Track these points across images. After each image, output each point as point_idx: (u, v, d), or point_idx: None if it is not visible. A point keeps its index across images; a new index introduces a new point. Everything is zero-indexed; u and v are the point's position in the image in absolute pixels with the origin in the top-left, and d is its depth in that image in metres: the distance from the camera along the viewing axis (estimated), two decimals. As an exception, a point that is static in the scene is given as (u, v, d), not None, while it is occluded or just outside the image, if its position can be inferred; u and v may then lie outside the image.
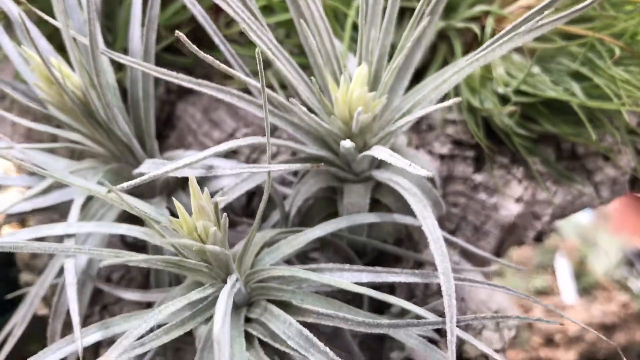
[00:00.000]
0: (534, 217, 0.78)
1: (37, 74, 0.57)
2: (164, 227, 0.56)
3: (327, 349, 0.43)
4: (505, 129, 0.76)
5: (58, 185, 0.72)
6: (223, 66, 0.52)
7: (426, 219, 0.51)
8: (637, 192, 0.86)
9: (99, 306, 0.76)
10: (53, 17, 0.60)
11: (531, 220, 0.79)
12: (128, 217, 0.67)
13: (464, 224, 0.78)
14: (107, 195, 0.61)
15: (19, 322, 0.69)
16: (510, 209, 0.76)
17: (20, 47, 0.62)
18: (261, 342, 0.54)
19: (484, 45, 0.56)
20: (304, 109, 0.52)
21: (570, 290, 2.93)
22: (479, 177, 0.77)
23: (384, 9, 0.59)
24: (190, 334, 0.68)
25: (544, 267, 3.06)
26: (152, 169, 0.59)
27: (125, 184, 0.47)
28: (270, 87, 0.77)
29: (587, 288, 3.13)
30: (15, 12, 0.67)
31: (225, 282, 0.52)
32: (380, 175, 0.60)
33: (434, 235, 0.50)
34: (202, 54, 0.51)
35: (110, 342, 0.71)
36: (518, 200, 0.77)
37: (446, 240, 0.54)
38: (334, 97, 0.54)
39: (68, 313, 0.64)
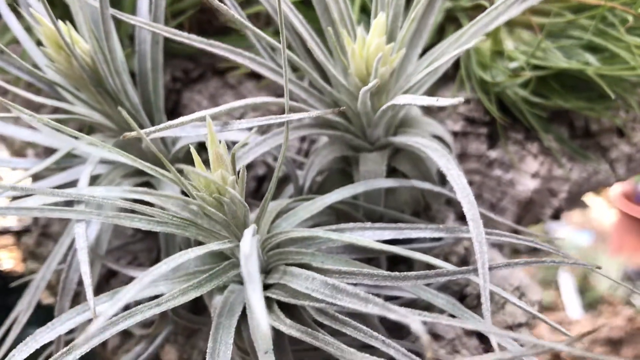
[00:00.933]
0: (551, 194, 0.77)
1: (45, 39, 0.56)
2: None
3: (357, 290, 0.40)
4: (518, 102, 0.74)
5: (61, 168, 0.71)
6: (240, 19, 0.50)
7: (450, 170, 0.49)
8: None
9: (117, 284, 0.73)
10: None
11: (548, 197, 0.77)
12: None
13: (480, 202, 0.76)
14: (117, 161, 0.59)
15: (24, 309, 0.67)
16: (526, 185, 0.75)
17: (29, 19, 0.61)
18: (281, 305, 0.52)
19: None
20: (322, 56, 0.51)
21: (575, 306, 2.90)
22: (493, 154, 0.76)
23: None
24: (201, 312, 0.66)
25: (547, 282, 3.05)
26: (162, 133, 0.57)
27: (151, 128, 0.45)
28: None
29: (592, 303, 3.10)
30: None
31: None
32: (398, 139, 0.59)
33: (460, 184, 0.48)
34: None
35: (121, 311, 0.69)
36: (534, 175, 0.75)
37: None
38: (350, 51, 0.53)
39: (76, 292, 0.62)
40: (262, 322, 0.30)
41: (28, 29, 0.68)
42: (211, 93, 0.85)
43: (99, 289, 0.74)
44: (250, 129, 0.53)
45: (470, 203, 0.47)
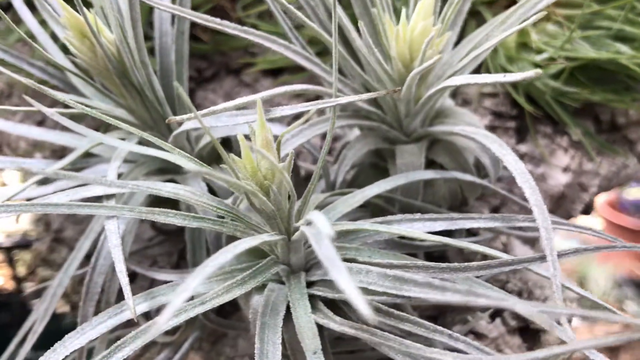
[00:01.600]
0: (581, 189, 0.75)
1: (69, 27, 0.53)
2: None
3: (429, 278, 0.37)
4: (547, 95, 0.73)
5: (76, 169, 0.67)
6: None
7: (505, 156, 0.47)
8: None
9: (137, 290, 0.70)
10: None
11: (578, 192, 0.75)
12: (155, 200, 0.63)
13: (509, 199, 0.74)
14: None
15: (39, 317, 0.63)
16: (558, 179, 0.73)
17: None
18: (325, 302, 0.49)
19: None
20: (359, 41, 0.48)
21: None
22: (523, 148, 0.74)
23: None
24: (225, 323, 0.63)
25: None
26: (195, 124, 0.54)
27: (189, 115, 0.42)
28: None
29: (588, 309, 3.08)
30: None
31: (287, 233, 0.47)
32: (440, 129, 0.56)
33: (519, 169, 0.46)
34: None
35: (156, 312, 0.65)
36: (565, 169, 0.73)
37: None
38: (395, 34, 0.50)
39: (99, 297, 0.59)
40: (361, 307, 0.27)
41: (42, 23, 0.65)
42: (226, 91, 0.82)
43: (119, 295, 0.71)
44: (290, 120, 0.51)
45: (532, 188, 0.44)
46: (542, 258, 0.43)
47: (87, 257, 0.63)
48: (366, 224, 0.49)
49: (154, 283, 0.71)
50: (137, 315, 0.47)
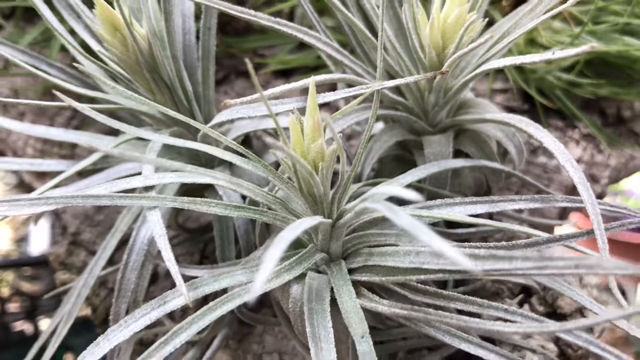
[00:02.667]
0: (593, 180, 0.76)
1: (100, 20, 0.53)
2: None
3: (492, 251, 0.38)
4: (558, 89, 0.74)
5: (98, 169, 0.67)
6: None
7: (544, 137, 0.48)
8: None
9: (158, 292, 0.69)
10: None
11: (590, 183, 0.76)
12: (187, 190, 0.62)
13: (525, 190, 0.75)
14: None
15: (64, 319, 0.62)
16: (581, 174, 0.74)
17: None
18: (367, 287, 0.49)
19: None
20: (389, 31, 0.49)
21: (557, 318, 2.92)
22: (536, 141, 0.75)
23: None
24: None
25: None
26: (230, 115, 0.54)
27: (237, 100, 0.42)
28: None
29: (574, 313, 3.13)
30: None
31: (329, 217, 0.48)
32: (468, 117, 0.57)
33: (559, 149, 0.47)
34: None
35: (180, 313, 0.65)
36: (578, 161, 0.75)
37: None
38: (430, 22, 0.51)
39: (134, 291, 0.58)
40: (459, 258, 0.27)
41: (62, 21, 0.65)
42: (238, 93, 0.82)
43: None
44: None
45: (574, 168, 0.45)
46: (590, 232, 0.43)
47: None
48: (407, 209, 0.50)
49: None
50: (189, 302, 0.46)
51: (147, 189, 0.51)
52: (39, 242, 2.89)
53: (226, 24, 0.87)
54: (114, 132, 0.78)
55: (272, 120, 0.62)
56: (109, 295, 0.70)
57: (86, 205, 0.48)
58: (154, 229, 0.48)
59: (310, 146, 0.44)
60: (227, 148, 0.65)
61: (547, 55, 0.42)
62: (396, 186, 0.36)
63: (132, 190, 0.52)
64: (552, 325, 0.36)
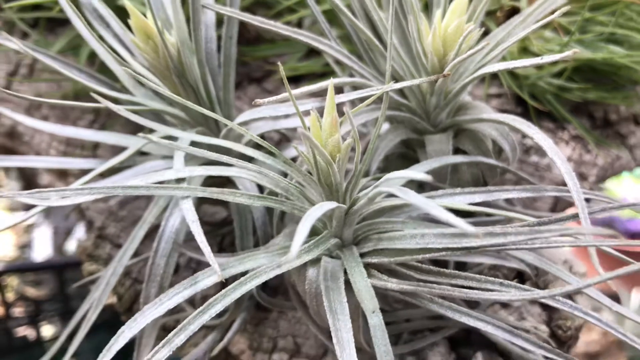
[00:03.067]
0: (582, 178, 0.82)
1: (135, 29, 0.58)
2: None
3: (489, 228, 0.43)
4: (549, 93, 0.80)
5: (125, 167, 0.72)
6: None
7: (535, 134, 0.54)
8: None
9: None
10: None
11: (580, 181, 0.82)
12: (209, 184, 0.68)
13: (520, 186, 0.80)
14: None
15: (94, 305, 0.67)
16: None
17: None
18: (377, 269, 0.55)
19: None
20: (395, 40, 0.55)
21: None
22: (529, 141, 0.81)
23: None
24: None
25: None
26: (251, 115, 0.60)
27: (264, 100, 0.48)
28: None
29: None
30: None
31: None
32: (467, 117, 0.63)
33: (548, 144, 0.52)
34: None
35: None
36: (568, 160, 0.80)
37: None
38: (432, 31, 0.57)
39: (161, 277, 0.63)
40: (464, 225, 0.33)
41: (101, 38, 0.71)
42: (251, 98, 0.88)
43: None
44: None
45: (561, 159, 0.51)
46: (575, 216, 0.49)
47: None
48: (409, 200, 0.55)
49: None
50: (222, 278, 0.52)
51: (178, 181, 0.57)
52: (42, 248, 2.94)
53: (239, 34, 0.93)
54: (136, 134, 0.84)
55: (284, 122, 0.68)
56: (133, 285, 0.76)
57: (126, 194, 0.54)
58: (187, 215, 0.53)
59: (328, 140, 0.50)
60: (248, 145, 0.71)
61: (535, 60, 0.48)
62: (402, 175, 0.42)
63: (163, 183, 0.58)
64: (541, 292, 0.42)
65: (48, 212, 2.97)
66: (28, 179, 2.59)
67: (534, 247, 0.41)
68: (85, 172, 0.78)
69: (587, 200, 0.59)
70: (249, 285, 0.49)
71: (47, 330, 2.71)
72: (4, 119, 0.97)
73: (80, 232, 2.92)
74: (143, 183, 0.54)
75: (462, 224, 0.32)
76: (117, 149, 0.87)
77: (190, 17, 0.59)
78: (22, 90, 0.95)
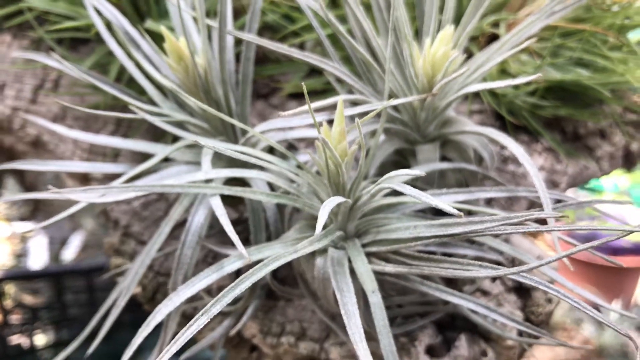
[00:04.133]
0: (554, 185, 0.93)
1: (169, 52, 0.68)
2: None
3: (471, 218, 0.53)
4: (524, 110, 0.91)
5: (152, 171, 0.81)
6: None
7: (509, 143, 0.64)
8: (629, 168, 1.02)
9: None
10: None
11: (551, 188, 0.93)
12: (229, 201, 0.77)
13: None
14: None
15: (123, 292, 0.76)
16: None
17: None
18: (376, 257, 0.65)
19: (527, 20, 0.72)
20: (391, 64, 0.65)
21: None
22: (506, 152, 0.91)
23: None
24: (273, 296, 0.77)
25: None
26: (267, 126, 0.70)
27: (286, 113, 0.58)
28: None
29: (548, 329, 3.30)
30: (119, 17, 0.79)
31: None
32: (453, 130, 0.74)
33: (519, 152, 0.63)
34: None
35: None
36: (540, 169, 0.91)
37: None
38: (423, 56, 0.67)
39: (187, 266, 0.72)
40: (447, 207, 0.43)
41: (128, 55, 0.80)
42: (258, 112, 0.98)
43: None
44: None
45: (530, 164, 0.61)
46: (541, 212, 0.59)
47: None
48: (406, 198, 0.65)
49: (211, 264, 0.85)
50: (250, 261, 0.61)
51: (207, 181, 0.66)
52: (38, 257, 3.00)
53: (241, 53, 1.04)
54: (158, 141, 0.93)
55: (291, 133, 0.78)
56: (155, 277, 0.85)
57: (164, 192, 0.63)
58: (217, 210, 0.62)
59: (337, 146, 0.60)
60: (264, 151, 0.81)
61: (510, 81, 0.58)
62: (402, 172, 0.52)
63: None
64: (513, 269, 0.52)
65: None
66: (27, 187, 2.67)
67: (506, 232, 0.51)
68: (109, 176, 0.88)
69: (559, 201, 0.70)
70: (271, 266, 0.58)
71: (42, 338, 2.77)
72: (29, 129, 1.06)
73: (75, 241, 2.98)
74: (178, 182, 0.64)
75: (449, 207, 0.42)
76: (137, 157, 0.97)
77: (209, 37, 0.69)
78: (48, 102, 1.04)
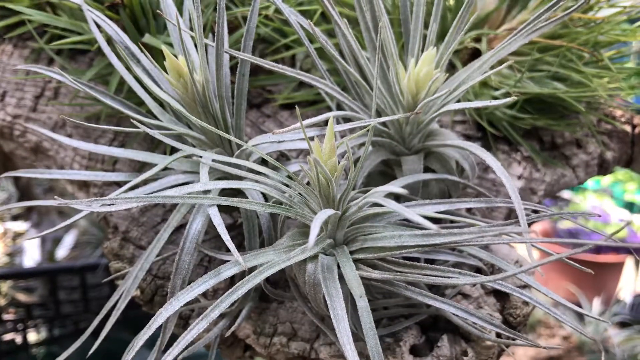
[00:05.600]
0: (532, 192, 0.98)
1: (169, 69, 0.72)
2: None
3: (452, 230, 0.58)
4: (504, 121, 0.96)
5: (153, 179, 0.85)
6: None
7: (487, 157, 0.69)
8: (604, 175, 1.07)
9: (194, 277, 0.88)
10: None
11: (530, 195, 0.98)
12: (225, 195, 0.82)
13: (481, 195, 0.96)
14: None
15: (124, 294, 0.80)
16: (514, 184, 0.96)
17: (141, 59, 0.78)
18: (363, 263, 0.69)
19: (506, 40, 0.76)
20: (379, 82, 0.70)
21: (517, 329, 3.13)
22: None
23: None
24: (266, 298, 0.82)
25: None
26: (262, 139, 0.74)
27: (281, 130, 0.62)
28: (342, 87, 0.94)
29: (532, 326, 3.38)
30: (121, 34, 0.83)
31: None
32: (435, 142, 0.78)
33: (496, 165, 0.67)
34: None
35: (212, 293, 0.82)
36: (519, 177, 0.96)
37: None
38: (408, 75, 0.72)
39: (185, 271, 0.76)
40: (424, 222, 0.47)
41: (127, 68, 0.84)
42: (252, 121, 1.02)
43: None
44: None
45: (506, 177, 0.66)
46: (517, 223, 0.64)
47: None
48: (392, 207, 0.70)
49: (207, 270, 0.90)
50: (246, 268, 0.65)
51: (205, 192, 0.71)
52: (31, 256, 3.03)
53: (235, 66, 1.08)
54: (154, 149, 0.97)
55: (283, 145, 0.83)
56: (153, 280, 0.89)
57: (165, 202, 0.67)
58: (214, 219, 0.67)
59: (327, 161, 0.64)
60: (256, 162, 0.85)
61: (486, 102, 0.63)
62: (385, 189, 0.57)
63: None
64: (490, 277, 0.57)
65: (39, 222, 3.06)
66: (22, 191, 2.70)
67: (483, 243, 0.56)
68: (108, 183, 0.92)
69: (535, 211, 0.75)
70: (266, 273, 0.63)
71: (34, 335, 2.80)
72: (29, 136, 1.10)
73: (68, 241, 3.01)
74: (178, 194, 0.68)
75: (427, 223, 0.47)
76: (134, 163, 1.01)
77: (204, 55, 0.73)
78: (48, 110, 1.08)
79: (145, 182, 0.85)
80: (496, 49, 0.78)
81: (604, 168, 1.06)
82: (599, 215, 0.69)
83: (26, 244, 3.13)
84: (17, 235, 3.13)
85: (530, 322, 3.43)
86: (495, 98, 0.97)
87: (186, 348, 0.75)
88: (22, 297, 2.71)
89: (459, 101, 0.90)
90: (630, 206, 5.20)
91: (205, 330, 0.85)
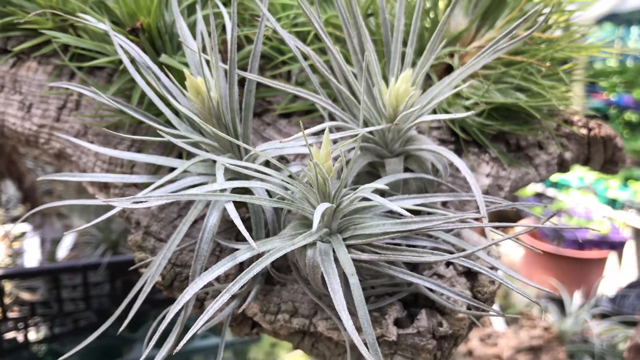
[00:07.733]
0: (499, 188, 1.13)
1: (189, 87, 0.86)
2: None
3: (424, 217, 0.72)
4: (474, 127, 1.11)
5: (170, 181, 0.99)
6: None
7: (455, 160, 0.83)
8: (564, 172, 1.22)
9: (208, 265, 1.02)
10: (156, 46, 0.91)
11: (497, 190, 1.13)
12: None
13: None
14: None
15: (149, 280, 0.94)
16: (483, 182, 1.10)
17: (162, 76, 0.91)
18: (354, 248, 0.83)
19: (472, 59, 0.91)
20: (366, 97, 0.84)
21: (499, 320, 3.30)
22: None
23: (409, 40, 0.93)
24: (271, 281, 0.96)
25: (474, 301, 3.46)
26: (268, 146, 0.89)
27: (284, 139, 0.76)
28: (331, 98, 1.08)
29: (514, 318, 3.56)
30: (143, 55, 0.97)
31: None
32: (414, 147, 0.93)
33: (462, 166, 0.82)
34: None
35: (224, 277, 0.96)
36: (487, 175, 1.11)
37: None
38: (389, 91, 0.87)
39: (204, 257, 0.90)
40: (402, 211, 0.62)
41: (148, 84, 0.98)
42: (254, 128, 1.16)
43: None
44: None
45: (470, 175, 0.81)
46: (478, 211, 0.79)
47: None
48: (378, 201, 0.84)
49: (219, 259, 1.04)
50: (259, 251, 0.79)
51: (222, 190, 0.85)
52: (33, 256, 3.14)
53: (242, 79, 1.22)
54: (168, 154, 1.11)
55: (285, 150, 0.97)
56: (172, 268, 1.02)
57: (189, 199, 0.81)
58: (231, 213, 0.81)
59: (324, 164, 0.78)
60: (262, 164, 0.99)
61: (454, 115, 0.78)
62: (372, 186, 0.71)
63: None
64: (455, 255, 0.71)
65: (40, 224, 3.17)
66: (25, 191, 2.81)
67: (449, 227, 0.70)
68: (127, 185, 1.05)
69: (493, 203, 0.89)
70: (275, 255, 0.77)
71: (36, 333, 2.92)
72: (53, 143, 1.23)
73: (67, 241, 3.13)
74: (199, 192, 0.82)
75: (406, 213, 0.61)
76: (150, 167, 1.14)
77: (219, 76, 0.87)
78: (70, 121, 1.21)
79: (163, 183, 0.99)
80: (465, 66, 0.92)
81: (563, 167, 1.21)
82: (556, 225, 0.83)
83: (27, 245, 3.23)
84: (18, 237, 3.24)
85: (513, 313, 3.60)
86: (466, 107, 1.12)
87: (204, 324, 0.89)
88: (26, 295, 2.82)
89: (434, 111, 1.06)
90: (612, 203, 5.39)
91: (219, 310, 1.00)
